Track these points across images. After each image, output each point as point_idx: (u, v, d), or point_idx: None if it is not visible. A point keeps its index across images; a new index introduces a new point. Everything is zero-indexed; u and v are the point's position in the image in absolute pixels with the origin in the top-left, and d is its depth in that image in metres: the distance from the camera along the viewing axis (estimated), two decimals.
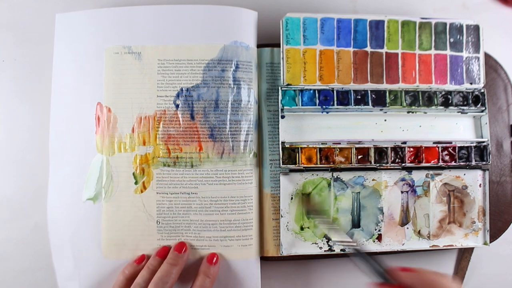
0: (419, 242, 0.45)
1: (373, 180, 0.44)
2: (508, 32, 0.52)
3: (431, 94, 0.45)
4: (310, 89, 0.44)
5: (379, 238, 0.44)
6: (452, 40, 0.46)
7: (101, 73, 0.44)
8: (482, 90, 0.46)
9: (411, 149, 0.45)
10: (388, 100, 0.45)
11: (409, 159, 0.44)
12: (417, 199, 0.45)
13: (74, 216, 0.43)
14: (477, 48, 0.46)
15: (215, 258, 0.42)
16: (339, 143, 0.44)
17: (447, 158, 0.45)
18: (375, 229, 0.44)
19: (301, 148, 0.43)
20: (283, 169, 0.44)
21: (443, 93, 0.45)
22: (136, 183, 0.43)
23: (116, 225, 0.43)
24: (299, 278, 0.47)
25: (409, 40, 0.45)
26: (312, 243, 0.44)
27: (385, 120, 0.45)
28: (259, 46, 0.45)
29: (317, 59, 0.44)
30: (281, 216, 0.43)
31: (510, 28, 0.52)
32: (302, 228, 0.44)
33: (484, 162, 0.45)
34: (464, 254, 0.48)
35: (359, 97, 0.44)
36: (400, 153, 0.44)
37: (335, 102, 0.44)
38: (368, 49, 0.45)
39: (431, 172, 0.45)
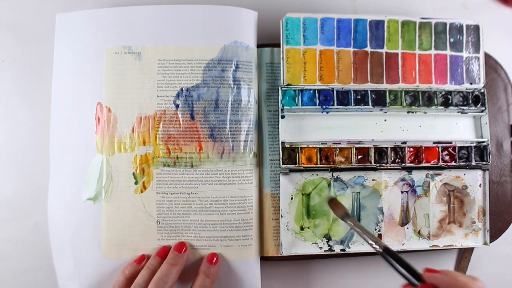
0: (419, 242, 0.45)
1: (373, 180, 0.44)
2: (508, 32, 0.52)
3: (431, 94, 0.45)
4: (310, 89, 0.44)
5: (379, 238, 0.44)
6: (452, 40, 0.46)
7: (101, 73, 0.44)
8: (482, 90, 0.46)
9: (411, 149, 0.45)
10: (388, 100, 0.45)
11: (409, 159, 0.44)
12: (417, 199, 0.45)
13: (74, 216, 0.43)
14: (477, 48, 0.46)
15: (215, 258, 0.42)
16: (339, 143, 0.44)
17: (447, 158, 0.45)
18: (375, 229, 0.44)
19: (301, 148, 0.43)
20: (283, 169, 0.44)
21: (443, 93, 0.45)
22: (136, 183, 0.43)
23: (116, 225, 0.43)
24: (299, 278, 0.47)
25: (409, 40, 0.45)
26: (312, 243, 0.44)
27: (385, 120, 0.45)
28: (259, 46, 0.45)
29: (317, 59, 0.44)
30: (281, 216, 0.43)
31: (510, 28, 0.52)
32: (302, 228, 0.44)
33: (484, 162, 0.45)
34: (464, 254, 0.48)
35: (359, 97, 0.44)
36: (400, 153, 0.44)
37: (335, 102, 0.44)
38: (368, 49, 0.45)
39: (431, 172, 0.45)
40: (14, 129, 0.46)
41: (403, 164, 0.44)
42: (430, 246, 0.45)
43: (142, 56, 0.44)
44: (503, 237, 0.47)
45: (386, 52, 0.45)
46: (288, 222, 0.43)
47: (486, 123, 0.45)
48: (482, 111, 0.45)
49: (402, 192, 0.45)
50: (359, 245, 0.44)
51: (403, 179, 0.45)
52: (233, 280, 0.43)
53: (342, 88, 0.44)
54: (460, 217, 0.45)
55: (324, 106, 0.44)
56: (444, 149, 0.45)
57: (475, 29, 0.46)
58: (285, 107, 0.44)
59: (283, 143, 0.43)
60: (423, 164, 0.44)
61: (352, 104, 0.44)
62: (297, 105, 0.44)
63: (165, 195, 0.43)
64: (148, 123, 0.43)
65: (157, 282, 0.38)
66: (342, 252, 0.44)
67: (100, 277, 0.43)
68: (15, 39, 0.47)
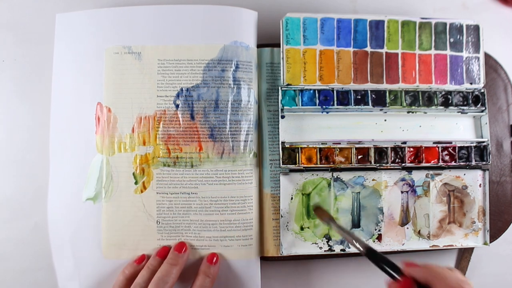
0: (419, 242, 0.45)
1: (373, 180, 0.44)
2: (508, 32, 0.52)
3: (431, 94, 0.45)
4: (310, 89, 0.44)
5: (379, 238, 0.44)
6: (452, 40, 0.46)
7: (101, 73, 0.44)
8: (482, 90, 0.46)
9: (411, 149, 0.45)
10: (388, 100, 0.45)
11: (409, 159, 0.44)
12: (417, 199, 0.45)
13: (74, 216, 0.43)
14: (477, 48, 0.46)
15: (215, 258, 0.42)
16: (339, 143, 0.44)
17: (447, 158, 0.45)
18: (375, 229, 0.44)
19: (301, 148, 0.43)
20: (283, 169, 0.44)
21: (443, 93, 0.45)
22: (136, 183, 0.43)
23: (116, 225, 0.43)
24: (299, 278, 0.47)
25: (409, 40, 0.45)
26: (312, 243, 0.44)
27: (385, 120, 0.45)
28: (259, 46, 0.45)
29: (317, 59, 0.44)
30: (281, 216, 0.43)
31: (510, 28, 0.52)
32: (302, 228, 0.44)
33: (484, 162, 0.45)
34: (464, 254, 0.48)
35: (359, 97, 0.44)
36: (400, 153, 0.44)
37: (335, 102, 0.44)
38: (368, 49, 0.45)
39: (431, 172, 0.45)
40: (14, 129, 0.46)
41: (403, 164, 0.44)
42: (430, 246, 0.45)
43: (142, 56, 0.44)
44: (503, 237, 0.47)
45: (386, 52, 0.45)
46: (288, 222, 0.43)
47: (486, 123, 0.45)
48: (482, 111, 0.45)
49: (402, 192, 0.45)
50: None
51: (403, 179, 0.45)
52: (233, 280, 0.43)
53: (342, 88, 0.44)
54: (460, 217, 0.45)
55: (324, 106, 0.44)
56: (444, 149, 0.45)
57: (475, 29, 0.46)
58: (285, 107, 0.44)
59: (283, 143, 0.43)
60: (423, 164, 0.44)
61: (352, 104, 0.44)
62: (297, 105, 0.44)
63: (165, 195, 0.43)
64: (148, 123, 0.43)
65: (157, 282, 0.38)
66: (342, 252, 0.44)
67: (100, 277, 0.43)
68: (15, 39, 0.47)
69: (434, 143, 0.45)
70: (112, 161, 0.43)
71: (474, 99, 0.46)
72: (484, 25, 0.46)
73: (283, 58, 0.44)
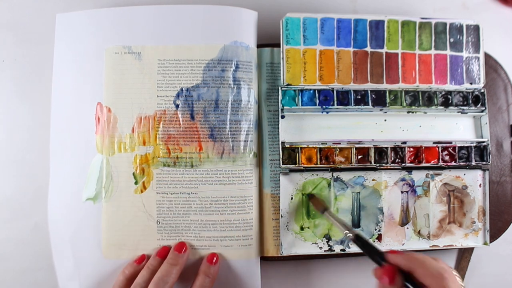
0: (419, 242, 0.45)
1: (373, 180, 0.44)
2: (508, 32, 0.52)
3: (431, 94, 0.45)
4: (310, 89, 0.44)
5: (379, 238, 0.44)
6: (452, 40, 0.46)
7: (101, 73, 0.44)
8: (482, 90, 0.46)
9: (411, 149, 0.45)
10: (388, 100, 0.45)
11: (409, 159, 0.44)
12: (417, 199, 0.45)
13: (74, 216, 0.43)
14: (477, 48, 0.46)
15: (215, 258, 0.42)
16: (339, 143, 0.44)
17: (447, 158, 0.45)
18: (375, 229, 0.44)
19: (301, 148, 0.43)
20: (283, 169, 0.44)
21: (443, 93, 0.45)
22: (136, 183, 0.43)
23: (116, 225, 0.43)
24: (299, 278, 0.47)
25: (409, 40, 0.45)
26: (312, 243, 0.44)
27: (385, 120, 0.45)
28: (259, 46, 0.45)
29: (317, 59, 0.44)
30: (281, 216, 0.43)
31: (510, 28, 0.52)
32: (302, 228, 0.44)
33: (484, 162, 0.45)
34: (464, 254, 0.48)
35: (359, 97, 0.44)
36: (400, 153, 0.44)
37: (335, 102, 0.44)
38: (368, 49, 0.45)
39: (431, 172, 0.45)
40: (14, 129, 0.46)
41: (403, 164, 0.44)
42: (430, 246, 0.45)
43: (142, 56, 0.44)
44: (503, 237, 0.47)
45: (386, 52, 0.45)
46: (288, 222, 0.43)
47: (486, 123, 0.45)
48: (482, 111, 0.45)
49: (402, 192, 0.45)
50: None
51: (403, 179, 0.45)
52: (233, 280, 0.43)
53: (342, 88, 0.44)
54: (460, 217, 0.45)
55: (324, 106, 0.44)
56: (444, 149, 0.45)
57: (475, 29, 0.46)
58: (285, 107, 0.44)
59: (283, 143, 0.43)
60: (423, 164, 0.44)
61: (352, 104, 0.44)
62: (297, 105, 0.44)
63: (165, 195, 0.43)
64: (148, 123, 0.43)
65: (157, 282, 0.38)
66: (342, 252, 0.44)
67: (100, 277, 0.43)
68: (15, 39, 0.47)
69: (434, 143, 0.45)
70: (112, 161, 0.43)
71: (474, 99, 0.46)
72: (484, 25, 0.46)
73: (283, 58, 0.44)
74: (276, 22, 0.45)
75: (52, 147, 0.44)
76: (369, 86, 0.45)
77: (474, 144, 0.45)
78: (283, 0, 0.50)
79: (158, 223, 0.43)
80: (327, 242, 0.44)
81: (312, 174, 0.44)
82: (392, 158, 0.44)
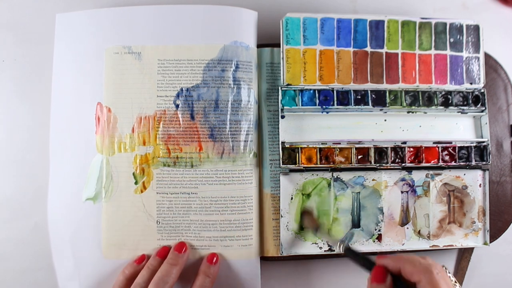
0: (419, 242, 0.45)
1: (373, 180, 0.44)
2: (508, 32, 0.52)
3: (431, 94, 0.45)
4: (310, 89, 0.44)
5: (379, 238, 0.44)
6: (452, 40, 0.46)
7: (101, 73, 0.44)
8: (482, 90, 0.46)
9: (411, 149, 0.45)
10: (388, 100, 0.45)
11: (409, 159, 0.44)
12: (417, 199, 0.45)
13: (74, 216, 0.43)
14: (477, 48, 0.46)
15: (215, 258, 0.42)
16: (339, 143, 0.44)
17: (447, 158, 0.45)
18: (375, 229, 0.44)
19: (301, 148, 0.43)
20: (283, 169, 0.44)
21: (443, 93, 0.45)
22: (136, 183, 0.43)
23: (116, 225, 0.43)
24: (299, 278, 0.47)
25: (409, 40, 0.45)
26: (312, 243, 0.44)
27: (385, 120, 0.45)
28: (259, 46, 0.45)
29: (317, 59, 0.44)
30: (281, 216, 0.43)
31: (510, 28, 0.52)
32: (302, 228, 0.44)
33: (484, 162, 0.45)
34: (464, 254, 0.48)
35: (359, 97, 0.44)
36: (400, 153, 0.44)
37: (335, 102, 0.44)
38: (368, 49, 0.45)
39: (431, 172, 0.45)
40: (14, 129, 0.46)
41: (403, 164, 0.44)
42: (430, 246, 0.45)
43: (142, 56, 0.44)
44: (503, 237, 0.47)
45: (386, 52, 0.45)
46: (288, 222, 0.43)
47: (486, 123, 0.45)
48: (482, 111, 0.45)
49: (402, 192, 0.45)
50: (359, 245, 0.44)
51: (403, 179, 0.45)
52: (233, 280, 0.43)
53: (342, 88, 0.44)
54: (460, 217, 0.45)
55: (324, 106, 0.44)
56: (444, 149, 0.45)
57: (475, 29, 0.46)
58: (285, 107, 0.44)
59: (283, 143, 0.43)
60: (423, 164, 0.44)
61: (352, 104, 0.44)
62: (297, 105, 0.44)
63: (165, 195, 0.43)
64: (148, 123, 0.43)
65: (157, 282, 0.38)
66: (342, 252, 0.44)
67: (100, 277, 0.43)
68: (15, 39, 0.47)
69: (434, 143, 0.45)
70: (112, 161, 0.43)
71: (474, 99, 0.46)
72: (484, 25, 0.46)
73: (283, 58, 0.44)
74: (276, 22, 0.45)
75: (52, 147, 0.44)
76: (369, 86, 0.45)
77: (474, 144, 0.45)
78: (283, 0, 0.50)
79: (158, 223, 0.43)
80: (327, 242, 0.44)
81: (312, 174, 0.44)
82: (392, 158, 0.44)
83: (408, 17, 0.45)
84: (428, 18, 0.46)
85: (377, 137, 0.44)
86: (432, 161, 0.45)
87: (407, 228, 0.45)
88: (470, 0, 0.52)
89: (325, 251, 0.44)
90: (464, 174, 0.45)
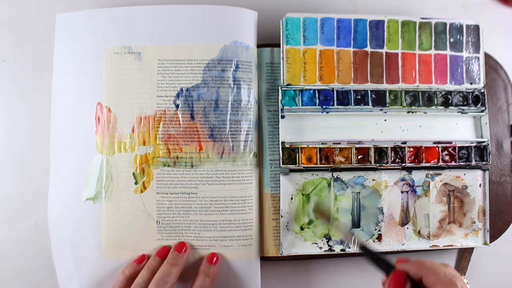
0: (419, 242, 0.45)
1: (373, 180, 0.44)
2: (508, 32, 0.52)
3: (431, 94, 0.45)
4: (310, 89, 0.44)
5: (379, 238, 0.44)
6: (452, 40, 0.46)
7: (101, 73, 0.44)
8: (482, 90, 0.46)
9: (411, 149, 0.45)
10: (388, 100, 0.45)
11: (409, 159, 0.44)
12: (417, 199, 0.45)
13: (74, 216, 0.43)
14: (477, 48, 0.46)
15: (215, 258, 0.42)
16: (339, 143, 0.44)
17: (447, 158, 0.45)
18: (375, 229, 0.44)
19: (301, 148, 0.43)
20: (283, 169, 0.44)
21: (443, 93, 0.45)
22: (136, 183, 0.43)
23: (116, 225, 0.43)
24: (299, 278, 0.47)
25: (409, 40, 0.45)
26: (312, 243, 0.44)
27: (385, 120, 0.45)
28: (259, 46, 0.45)
29: (317, 59, 0.44)
30: (281, 216, 0.43)
31: (510, 28, 0.52)
32: (302, 228, 0.44)
33: (484, 162, 0.45)
34: (464, 254, 0.48)
35: (359, 97, 0.44)
36: (400, 153, 0.44)
37: (335, 102, 0.44)
38: (368, 49, 0.45)
39: (431, 172, 0.45)
40: (14, 129, 0.46)
41: (403, 164, 0.44)
42: (430, 246, 0.45)
43: (142, 56, 0.44)
44: (503, 237, 0.47)
45: (386, 52, 0.45)
46: (288, 222, 0.43)
47: (486, 123, 0.45)
48: (482, 111, 0.45)
49: (402, 192, 0.45)
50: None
51: (403, 179, 0.45)
52: (233, 280, 0.43)
53: (342, 88, 0.44)
54: (460, 217, 0.45)
55: (324, 106, 0.44)
56: (444, 149, 0.45)
57: (475, 29, 0.46)
58: (285, 107, 0.44)
59: (283, 143, 0.43)
60: (423, 164, 0.44)
61: (352, 104, 0.44)
62: (297, 105, 0.44)
63: (165, 195, 0.43)
64: (148, 123, 0.43)
65: (157, 282, 0.38)
66: (342, 252, 0.44)
67: (100, 277, 0.43)
68: (15, 39, 0.47)
69: (434, 143, 0.45)
70: (112, 161, 0.43)
71: (474, 99, 0.46)
72: (484, 25, 0.46)
73: (283, 58, 0.44)
74: (276, 22, 0.45)
75: (52, 147, 0.44)
76: (369, 86, 0.45)
77: (474, 144, 0.45)
78: (283, 0, 0.50)
79: (158, 223, 0.43)
80: (327, 242, 0.44)
81: (312, 174, 0.44)
82: (392, 158, 0.44)
83: (408, 17, 0.45)
84: (428, 18, 0.46)
85: (377, 137, 0.44)
86: (432, 161, 0.45)
87: (407, 228, 0.45)
88: (470, 0, 0.52)
89: (325, 251, 0.44)
90: (464, 174, 0.45)
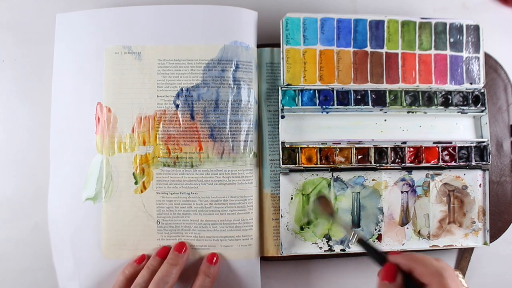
0: (419, 242, 0.45)
1: (373, 180, 0.44)
2: (508, 32, 0.52)
3: (431, 94, 0.45)
4: (310, 89, 0.44)
5: (379, 238, 0.44)
6: (452, 40, 0.46)
7: (101, 73, 0.44)
8: (482, 90, 0.46)
9: (411, 149, 0.45)
10: (388, 100, 0.45)
11: (409, 159, 0.44)
12: (417, 199, 0.45)
13: (74, 216, 0.43)
14: (477, 48, 0.46)
15: (215, 258, 0.42)
16: (339, 143, 0.44)
17: (447, 158, 0.45)
18: (375, 229, 0.44)
19: (301, 148, 0.43)
20: (283, 169, 0.44)
21: (443, 93, 0.45)
22: (136, 183, 0.43)
23: (116, 225, 0.43)
24: (299, 278, 0.47)
25: (409, 40, 0.45)
26: (312, 243, 0.44)
27: (385, 120, 0.45)
28: (259, 46, 0.45)
29: (317, 59, 0.44)
30: (281, 216, 0.43)
31: (510, 28, 0.52)
32: (302, 228, 0.44)
33: (484, 162, 0.45)
34: (464, 254, 0.48)
35: (359, 97, 0.44)
36: (400, 153, 0.44)
37: (335, 102, 0.44)
38: (368, 49, 0.45)
39: (431, 172, 0.45)
40: (14, 129, 0.46)
41: (403, 164, 0.44)
42: (430, 246, 0.45)
43: (142, 56, 0.44)
44: (503, 237, 0.47)
45: (386, 52, 0.45)
46: (288, 222, 0.43)
47: (486, 123, 0.45)
48: (482, 111, 0.45)
49: (402, 192, 0.45)
50: (359, 245, 0.44)
51: (403, 179, 0.45)
52: (233, 280, 0.43)
53: (342, 88, 0.44)
54: (460, 217, 0.45)
55: (324, 106, 0.44)
56: (444, 149, 0.45)
57: (475, 29, 0.46)
58: (285, 107, 0.44)
59: (283, 143, 0.43)
60: (423, 164, 0.44)
61: (352, 104, 0.44)
62: (297, 105, 0.44)
63: (165, 195, 0.43)
64: (148, 123, 0.43)
65: (157, 282, 0.38)
66: (342, 252, 0.44)
67: (100, 277, 0.43)
68: (15, 39, 0.47)
69: (434, 143, 0.45)
70: (112, 161, 0.43)
71: (474, 99, 0.46)
72: (484, 25, 0.46)
73: (283, 58, 0.44)
74: (276, 22, 0.45)
75: (52, 147, 0.44)
76: (369, 86, 0.45)
77: (474, 144, 0.45)
78: (283, 0, 0.50)
79: (158, 223, 0.43)
80: (327, 242, 0.44)
81: (312, 174, 0.44)
82: (392, 158, 0.44)
83: (408, 17, 0.45)
84: (428, 18, 0.46)
85: (377, 137, 0.44)
86: (432, 161, 0.45)
87: (407, 228, 0.45)
88: (470, 0, 0.52)
89: (325, 251, 0.44)
90: (464, 174, 0.45)
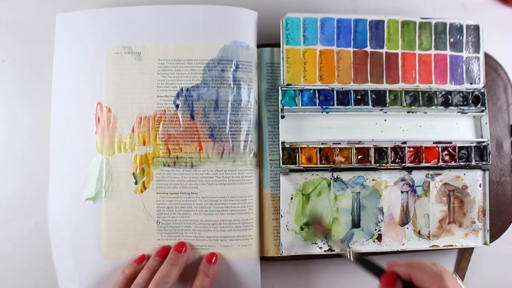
0: (419, 242, 0.45)
1: (373, 180, 0.44)
2: (508, 32, 0.52)
3: (431, 94, 0.45)
4: (310, 89, 0.44)
5: (379, 238, 0.44)
6: (452, 40, 0.46)
7: (101, 73, 0.44)
8: (482, 90, 0.46)
9: (411, 149, 0.45)
10: (388, 100, 0.45)
11: (409, 159, 0.44)
12: (417, 199, 0.45)
13: (74, 216, 0.43)
14: (477, 48, 0.46)
15: (214, 258, 0.42)
16: (339, 143, 0.44)
17: (447, 158, 0.45)
18: (375, 229, 0.44)
19: (301, 148, 0.43)
20: (283, 169, 0.44)
21: (443, 93, 0.45)
22: (136, 183, 0.43)
23: (116, 225, 0.43)
24: (299, 278, 0.47)
25: (409, 40, 0.45)
26: (312, 243, 0.44)
27: (385, 120, 0.45)
28: (259, 46, 0.45)
29: (317, 59, 0.44)
30: (281, 216, 0.43)
31: (510, 28, 0.52)
32: (302, 228, 0.44)
33: (484, 162, 0.45)
34: (464, 254, 0.48)
35: (359, 97, 0.44)
36: (400, 153, 0.44)
37: (335, 102, 0.44)
38: (368, 49, 0.45)
39: (431, 172, 0.45)
40: (14, 129, 0.46)
41: (403, 164, 0.44)
42: (430, 246, 0.45)
43: (142, 56, 0.44)
44: (503, 237, 0.47)
45: (386, 52, 0.45)
46: (288, 222, 0.43)
47: (486, 123, 0.45)
48: (482, 111, 0.45)
49: (402, 192, 0.45)
50: (359, 245, 0.44)
51: (403, 179, 0.45)
52: (233, 280, 0.43)
53: (342, 88, 0.44)
54: (460, 217, 0.45)
55: (324, 106, 0.44)
56: (444, 149, 0.45)
57: (475, 29, 0.46)
58: (285, 107, 0.44)
59: (283, 143, 0.43)
60: (423, 164, 0.44)
61: (352, 104, 0.44)
62: (297, 105, 0.44)
63: (165, 195, 0.43)
64: (148, 123, 0.43)
65: (157, 282, 0.38)
66: (342, 252, 0.44)
67: (100, 277, 0.43)
68: (15, 39, 0.47)
69: (434, 143, 0.45)
70: (112, 161, 0.43)
71: (474, 99, 0.46)
72: (484, 25, 0.46)
73: (283, 58, 0.44)
74: (276, 22, 0.45)
75: (52, 147, 0.44)
76: (369, 86, 0.45)
77: (474, 144, 0.45)
78: (283, 0, 0.50)
79: (158, 223, 0.43)
80: (327, 242, 0.44)
81: (312, 174, 0.44)
82: (392, 158, 0.44)
83: (408, 17, 0.45)
84: (428, 18, 0.46)
85: (377, 137, 0.44)
86: (432, 161, 0.45)
87: (407, 228, 0.45)
88: (470, 0, 0.52)
89: (325, 251, 0.44)
90: (464, 174, 0.45)
